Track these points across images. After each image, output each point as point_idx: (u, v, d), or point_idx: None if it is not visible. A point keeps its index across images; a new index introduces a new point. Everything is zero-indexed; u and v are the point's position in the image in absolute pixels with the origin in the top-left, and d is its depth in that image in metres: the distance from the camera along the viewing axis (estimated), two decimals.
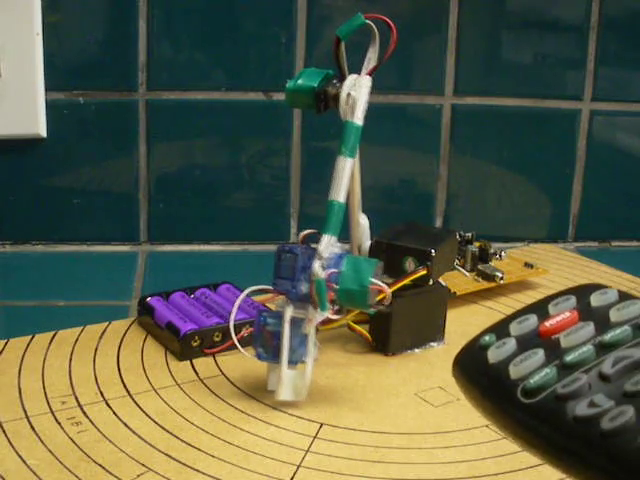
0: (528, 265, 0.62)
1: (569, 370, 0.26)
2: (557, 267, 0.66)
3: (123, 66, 0.67)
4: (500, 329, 0.30)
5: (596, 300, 0.30)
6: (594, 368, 0.26)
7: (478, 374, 0.29)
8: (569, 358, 0.27)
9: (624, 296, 0.30)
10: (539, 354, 0.27)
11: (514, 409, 0.27)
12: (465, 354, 0.30)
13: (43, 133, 0.67)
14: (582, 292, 0.30)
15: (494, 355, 0.28)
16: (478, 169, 0.73)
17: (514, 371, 0.27)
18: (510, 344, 0.28)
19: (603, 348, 0.27)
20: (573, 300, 0.30)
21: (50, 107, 0.66)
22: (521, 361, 0.27)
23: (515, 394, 0.27)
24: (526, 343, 0.28)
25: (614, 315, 0.28)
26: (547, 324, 0.29)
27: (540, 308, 0.30)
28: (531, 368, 0.27)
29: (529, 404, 0.26)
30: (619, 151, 0.74)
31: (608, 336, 0.27)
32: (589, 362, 0.27)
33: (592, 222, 0.74)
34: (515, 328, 0.29)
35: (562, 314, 0.29)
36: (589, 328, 0.28)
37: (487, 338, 0.29)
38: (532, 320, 0.29)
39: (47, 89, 0.66)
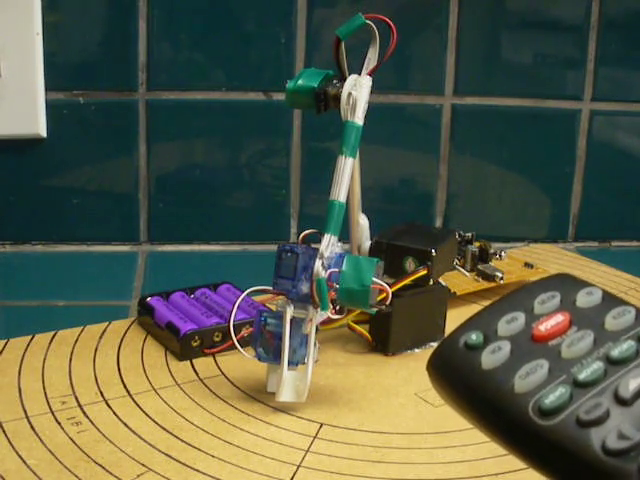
0: (528, 265, 0.62)
1: (583, 389, 0.26)
2: (557, 267, 0.66)
3: (123, 66, 0.67)
4: (485, 326, 0.29)
5: (583, 302, 0.29)
6: (608, 389, 0.26)
7: (468, 379, 0.28)
8: (582, 377, 0.26)
9: (609, 298, 0.29)
10: (544, 367, 0.27)
11: (526, 427, 0.26)
12: (446, 353, 0.29)
13: (43, 133, 0.67)
14: (565, 289, 0.29)
15: (489, 360, 0.27)
16: (478, 169, 0.73)
17: (520, 385, 0.26)
18: (505, 349, 0.28)
19: (612, 364, 0.26)
20: (558, 298, 0.29)
21: (50, 107, 0.66)
22: (527, 374, 0.26)
23: (526, 411, 0.26)
24: (521, 348, 0.28)
25: (610, 324, 0.28)
26: (542, 328, 0.28)
27: (524, 303, 0.29)
28: (538, 382, 0.26)
29: (547, 426, 0.25)
30: (619, 151, 0.74)
31: (616, 352, 0.27)
32: (600, 381, 0.26)
33: (592, 222, 0.74)
34: (504, 328, 0.28)
35: (554, 317, 0.28)
36: (589, 338, 0.27)
37: (474, 337, 0.28)
38: (520, 320, 0.29)
39: (47, 89, 0.66)
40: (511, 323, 0.29)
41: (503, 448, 0.27)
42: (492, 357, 0.28)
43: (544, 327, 0.28)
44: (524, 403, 0.26)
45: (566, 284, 0.30)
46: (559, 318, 0.28)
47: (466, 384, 0.28)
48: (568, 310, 0.29)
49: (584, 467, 0.24)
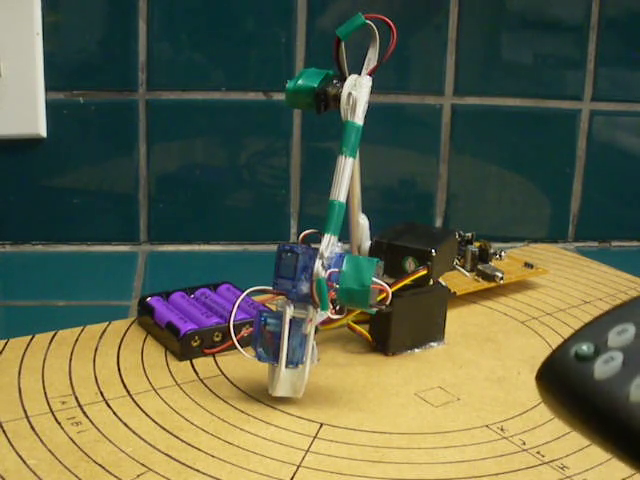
0: (528, 265, 0.62)
1: None
2: (557, 267, 0.66)
3: (123, 66, 0.67)
4: (595, 337, 0.28)
5: None
6: None
7: (580, 389, 0.27)
8: None
9: None
10: None
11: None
12: (557, 364, 0.28)
13: (43, 133, 0.67)
14: None
15: (602, 371, 0.27)
16: (478, 169, 0.73)
17: (636, 394, 0.26)
18: (618, 359, 0.27)
19: None
20: None
21: (50, 107, 0.66)
22: None
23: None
24: (634, 359, 0.27)
25: None
26: None
27: (632, 315, 0.29)
28: None
29: None
30: (619, 151, 0.74)
31: None
32: None
33: (592, 222, 0.74)
34: (615, 339, 0.28)
35: None
36: None
37: (585, 348, 0.28)
38: (631, 331, 0.28)
39: (47, 89, 0.66)
40: (622, 334, 0.28)
41: (616, 457, 0.27)
42: (605, 367, 0.27)
43: None
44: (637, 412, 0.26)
45: None
46: None
47: (578, 395, 0.28)
48: None
49: None
